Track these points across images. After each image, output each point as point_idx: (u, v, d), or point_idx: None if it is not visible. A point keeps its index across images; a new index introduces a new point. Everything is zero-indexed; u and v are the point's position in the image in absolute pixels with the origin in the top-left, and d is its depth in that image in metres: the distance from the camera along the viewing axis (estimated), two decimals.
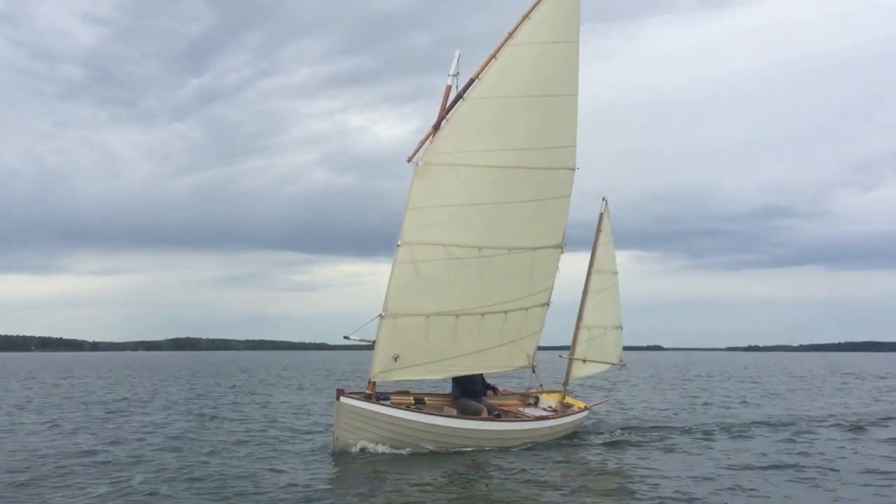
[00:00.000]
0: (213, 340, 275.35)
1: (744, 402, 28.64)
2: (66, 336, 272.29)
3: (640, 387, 37.97)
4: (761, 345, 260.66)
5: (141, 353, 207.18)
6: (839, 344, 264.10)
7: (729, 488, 12.08)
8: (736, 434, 18.28)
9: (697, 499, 11.35)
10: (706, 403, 27.66)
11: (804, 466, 13.93)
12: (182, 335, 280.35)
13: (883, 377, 51.51)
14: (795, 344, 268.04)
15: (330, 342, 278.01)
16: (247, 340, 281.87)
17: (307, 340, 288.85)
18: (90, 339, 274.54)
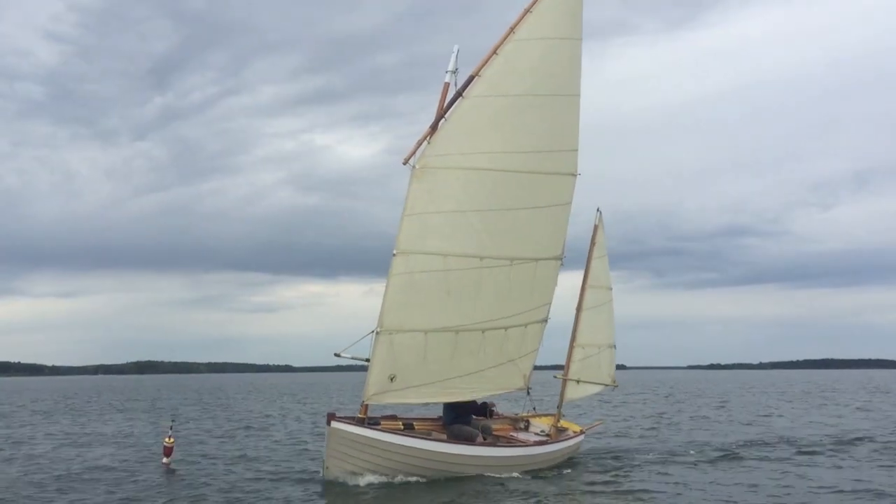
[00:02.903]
0: (176, 363, 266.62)
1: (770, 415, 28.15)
2: (25, 360, 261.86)
3: (626, 407, 36.95)
4: (722, 363, 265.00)
5: (101, 377, 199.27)
6: (797, 362, 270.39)
7: None
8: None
9: None
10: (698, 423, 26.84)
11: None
12: (143, 358, 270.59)
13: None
14: (755, 362, 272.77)
15: (295, 364, 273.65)
16: (210, 363, 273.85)
17: (271, 363, 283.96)
18: (49, 364, 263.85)
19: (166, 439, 13.61)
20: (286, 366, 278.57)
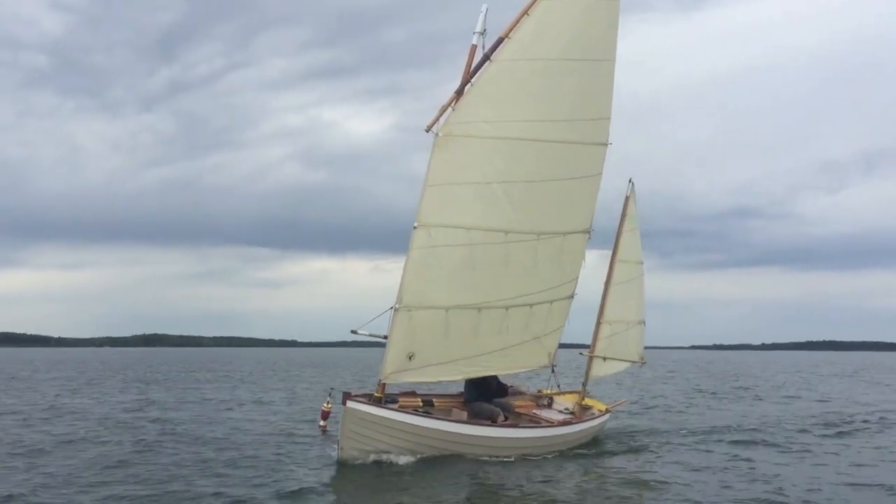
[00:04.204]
0: (182, 337, 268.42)
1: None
2: (31, 331, 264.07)
3: (649, 385, 36.35)
4: (725, 343, 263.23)
5: (107, 349, 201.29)
6: (798, 343, 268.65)
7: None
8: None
9: None
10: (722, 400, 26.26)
11: None
12: (149, 331, 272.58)
13: None
14: (757, 343, 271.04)
15: (299, 339, 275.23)
16: (215, 337, 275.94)
17: (276, 338, 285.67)
18: (55, 335, 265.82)
19: (325, 405, 13.82)
20: (291, 341, 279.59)
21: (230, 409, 23.15)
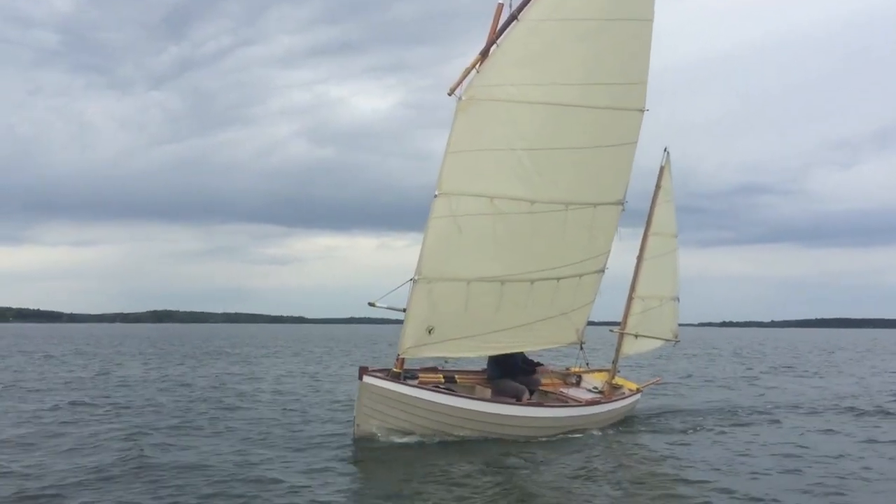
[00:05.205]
0: (191, 313, 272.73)
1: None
2: (43, 307, 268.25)
3: (676, 364, 35.52)
4: (734, 321, 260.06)
5: (118, 325, 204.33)
6: (808, 320, 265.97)
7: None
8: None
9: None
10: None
11: None
12: (159, 307, 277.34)
13: None
14: (767, 320, 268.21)
15: (308, 316, 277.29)
16: (224, 313, 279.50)
17: (285, 314, 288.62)
18: (67, 311, 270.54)
19: None
20: (299, 317, 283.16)
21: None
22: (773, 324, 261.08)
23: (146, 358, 37.37)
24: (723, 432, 14.43)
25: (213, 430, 13.72)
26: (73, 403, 17.25)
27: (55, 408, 16.55)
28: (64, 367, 30.23)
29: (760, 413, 17.13)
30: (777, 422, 15.88)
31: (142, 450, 11.52)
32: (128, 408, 16.65)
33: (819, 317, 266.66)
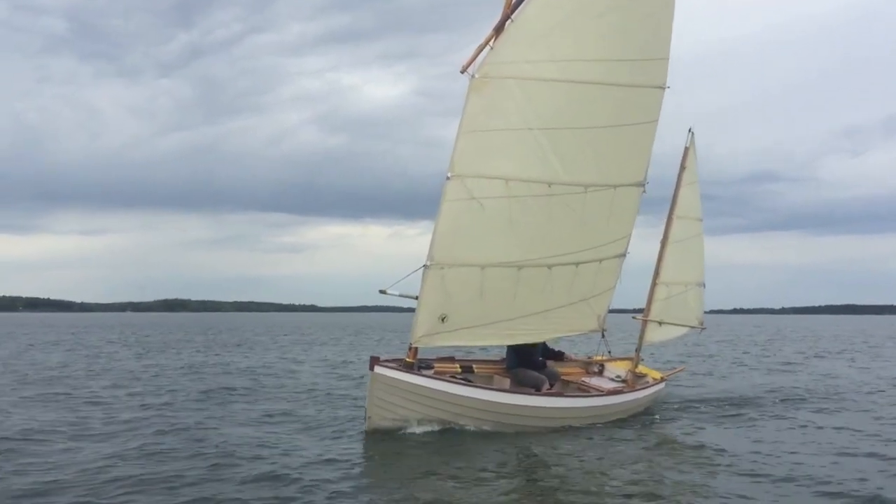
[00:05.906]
0: (202, 302, 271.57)
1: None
2: (54, 297, 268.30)
3: (699, 352, 34.79)
4: (745, 307, 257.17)
5: (129, 314, 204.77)
6: (818, 307, 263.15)
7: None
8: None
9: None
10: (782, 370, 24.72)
11: None
12: (170, 296, 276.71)
13: None
14: (777, 307, 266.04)
15: (320, 304, 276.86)
16: (235, 302, 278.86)
17: (297, 302, 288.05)
18: (78, 300, 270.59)
19: None
20: (311, 305, 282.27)
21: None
22: (783, 310, 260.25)
23: (196, 346, 37.70)
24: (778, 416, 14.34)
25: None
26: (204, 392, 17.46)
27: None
28: (149, 358, 29.83)
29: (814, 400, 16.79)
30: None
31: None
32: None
33: (829, 303, 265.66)
